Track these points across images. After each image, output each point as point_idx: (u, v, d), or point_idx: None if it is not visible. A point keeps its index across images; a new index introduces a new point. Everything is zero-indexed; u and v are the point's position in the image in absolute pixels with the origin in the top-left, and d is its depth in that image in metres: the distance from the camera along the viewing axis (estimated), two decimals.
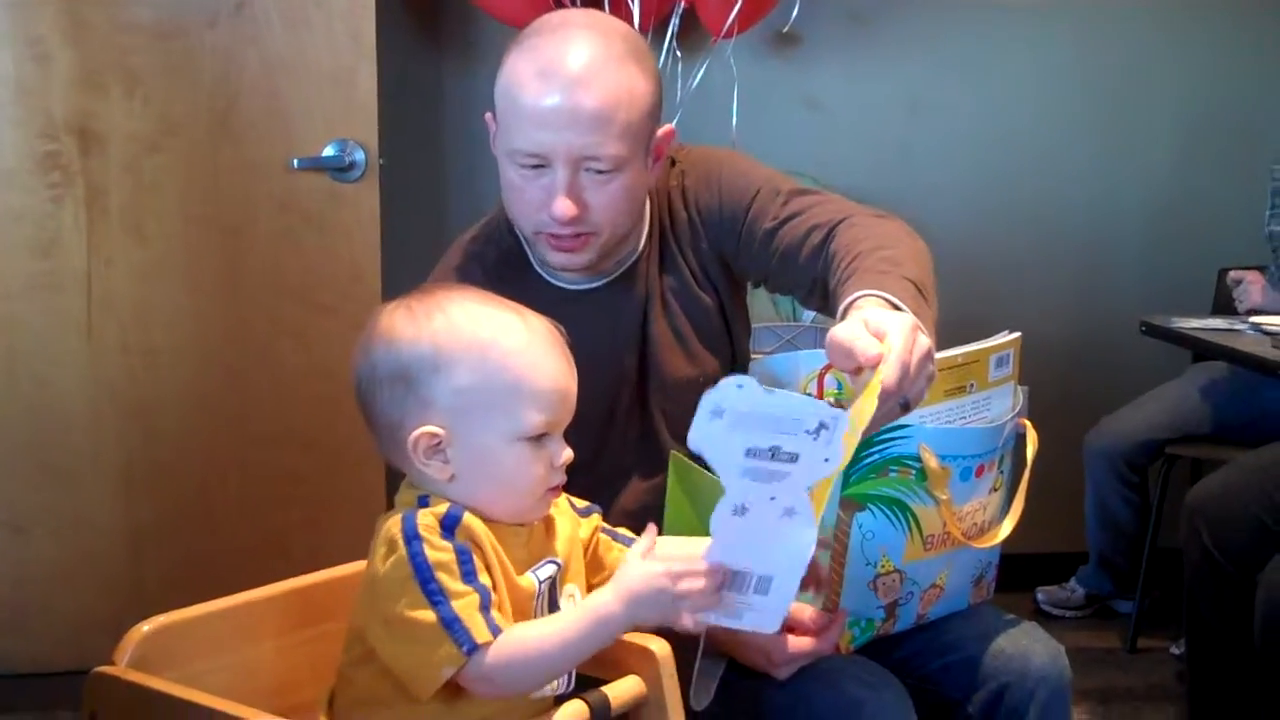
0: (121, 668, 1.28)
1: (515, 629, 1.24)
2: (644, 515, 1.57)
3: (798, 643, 1.54)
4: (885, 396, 1.27)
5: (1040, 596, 3.62)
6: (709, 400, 1.18)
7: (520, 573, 1.31)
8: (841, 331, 1.32)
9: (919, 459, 1.54)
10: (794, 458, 1.18)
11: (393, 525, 1.26)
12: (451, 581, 1.22)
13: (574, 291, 1.70)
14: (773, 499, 1.19)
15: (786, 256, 1.65)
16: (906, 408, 1.35)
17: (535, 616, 1.31)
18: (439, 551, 1.23)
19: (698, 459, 1.23)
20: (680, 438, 1.44)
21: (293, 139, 2.91)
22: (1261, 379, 3.15)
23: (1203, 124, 3.78)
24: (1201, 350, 3.23)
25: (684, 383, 1.72)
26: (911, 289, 1.47)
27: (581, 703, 1.29)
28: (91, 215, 2.87)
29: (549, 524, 1.37)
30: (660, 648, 1.33)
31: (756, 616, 1.23)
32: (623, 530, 1.47)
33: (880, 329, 1.32)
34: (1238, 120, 3.77)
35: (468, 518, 1.26)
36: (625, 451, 1.72)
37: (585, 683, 1.35)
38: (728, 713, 1.56)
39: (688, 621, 1.23)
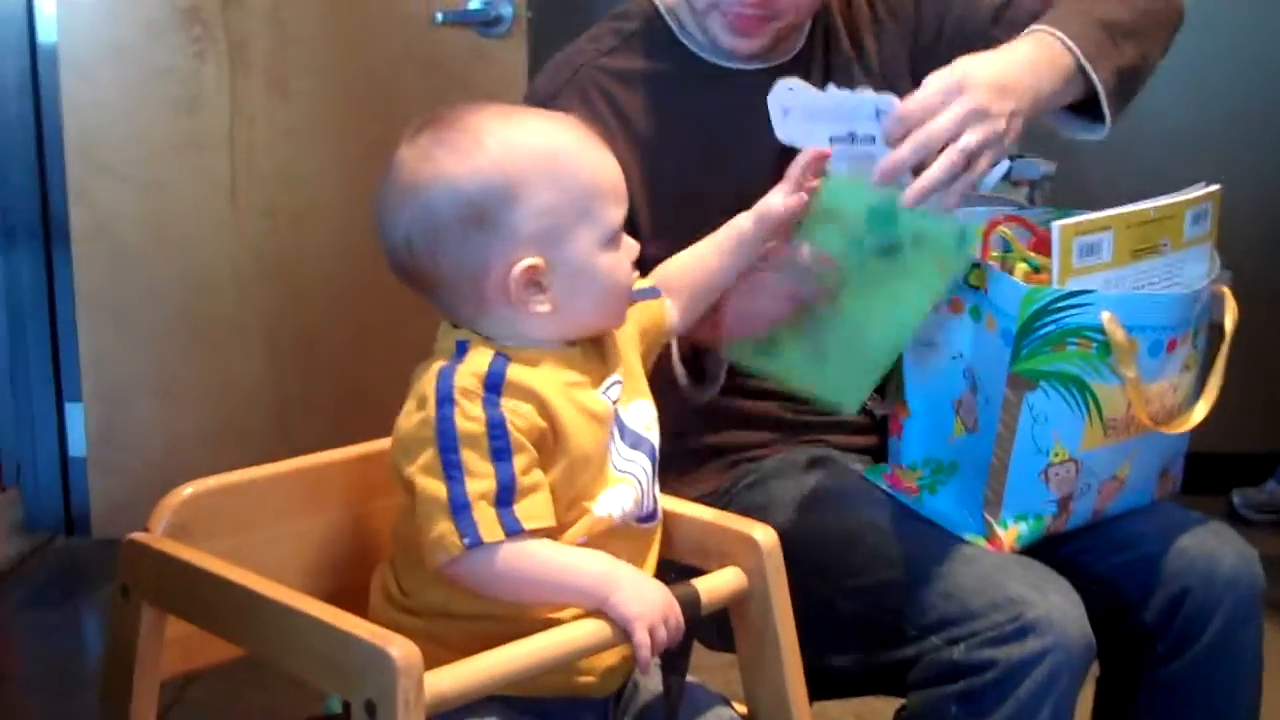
0: (155, 535, 1.14)
1: (537, 547, 1.11)
2: None
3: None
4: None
5: (1236, 499, 3.38)
6: (773, 102, 1.34)
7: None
8: None
9: (1101, 330, 1.36)
10: (872, 139, 1.32)
11: (428, 380, 1.13)
12: (475, 461, 1.09)
13: (725, 69, 1.63)
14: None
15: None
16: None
17: (610, 441, 1.19)
18: (470, 422, 1.10)
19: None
20: None
21: None
22: None
23: None
24: None
25: None
26: (1096, 30, 1.46)
27: None
28: (234, 71, 2.83)
29: (599, 344, 1.24)
30: (765, 535, 1.16)
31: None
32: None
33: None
34: None
35: (513, 371, 1.13)
36: None
37: (673, 571, 1.19)
38: (873, 610, 1.40)
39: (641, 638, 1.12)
